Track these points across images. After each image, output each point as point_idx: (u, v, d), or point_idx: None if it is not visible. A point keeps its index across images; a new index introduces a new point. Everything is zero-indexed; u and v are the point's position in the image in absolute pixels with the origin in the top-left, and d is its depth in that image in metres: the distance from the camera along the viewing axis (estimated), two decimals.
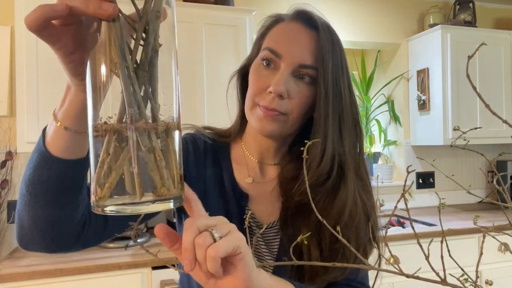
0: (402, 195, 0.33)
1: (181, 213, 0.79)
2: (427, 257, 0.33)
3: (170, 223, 2.19)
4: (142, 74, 0.35)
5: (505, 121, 0.38)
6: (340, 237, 0.31)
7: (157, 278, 1.70)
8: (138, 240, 1.90)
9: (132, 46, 0.36)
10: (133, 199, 0.34)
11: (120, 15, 0.36)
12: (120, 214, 0.34)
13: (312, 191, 0.69)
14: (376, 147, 3.11)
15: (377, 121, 3.02)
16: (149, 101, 0.36)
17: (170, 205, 0.36)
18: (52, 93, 1.91)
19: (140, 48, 0.36)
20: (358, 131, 0.73)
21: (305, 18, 0.71)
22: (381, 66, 3.11)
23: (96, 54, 0.36)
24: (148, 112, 0.36)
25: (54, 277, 1.59)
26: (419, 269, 0.39)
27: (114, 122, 0.35)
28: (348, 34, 2.71)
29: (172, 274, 1.71)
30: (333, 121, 0.68)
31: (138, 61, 0.36)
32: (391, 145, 3.03)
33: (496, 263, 2.24)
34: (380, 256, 0.68)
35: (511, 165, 2.87)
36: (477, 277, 0.35)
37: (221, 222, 0.45)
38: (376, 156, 3.02)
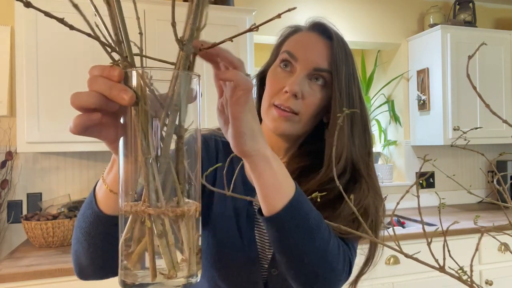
0: (411, 187, 0.33)
1: (209, 199, 0.81)
2: (428, 244, 0.33)
3: None
4: (163, 161, 0.38)
5: (505, 121, 0.38)
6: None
7: None
8: None
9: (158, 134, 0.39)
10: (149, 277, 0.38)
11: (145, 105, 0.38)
12: None
13: (325, 190, 0.71)
14: (376, 147, 3.11)
15: (377, 121, 3.02)
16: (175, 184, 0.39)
17: (181, 286, 0.39)
18: (52, 93, 1.91)
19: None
20: (367, 134, 0.78)
21: (321, 29, 0.78)
22: (381, 66, 3.11)
23: (123, 144, 0.40)
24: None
25: (54, 277, 1.59)
26: (419, 252, 0.39)
27: (135, 206, 0.38)
28: (348, 34, 2.70)
29: None
30: (346, 122, 0.74)
31: (161, 148, 0.39)
32: (391, 145, 3.03)
33: (496, 263, 2.24)
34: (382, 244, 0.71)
35: (511, 165, 2.87)
36: (471, 271, 0.35)
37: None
38: (376, 156, 3.02)
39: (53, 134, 1.90)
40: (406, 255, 0.32)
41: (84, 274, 0.65)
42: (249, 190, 0.81)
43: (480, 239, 0.36)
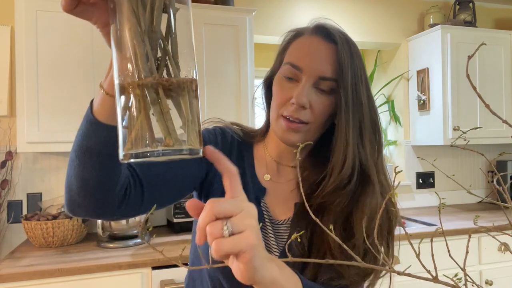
0: (389, 195, 0.33)
1: (201, 193, 0.82)
2: (417, 255, 0.33)
3: (170, 223, 2.19)
4: (154, 36, 0.38)
5: (505, 121, 0.38)
6: (333, 235, 0.32)
7: (157, 278, 1.70)
8: (138, 241, 1.90)
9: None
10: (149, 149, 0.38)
11: None
12: (138, 161, 0.38)
13: (333, 195, 0.72)
14: None
15: None
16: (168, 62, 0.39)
17: (178, 155, 0.38)
18: (52, 93, 1.91)
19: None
20: (378, 136, 0.76)
21: (324, 33, 0.75)
22: (381, 66, 3.11)
23: (113, 19, 0.40)
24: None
25: (54, 277, 1.59)
26: (409, 266, 0.39)
27: (128, 79, 0.38)
28: (349, 34, 2.70)
29: (172, 274, 1.71)
30: (354, 128, 0.72)
31: (154, 25, 0.39)
32: (391, 145, 3.03)
33: (496, 263, 2.24)
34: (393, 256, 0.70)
35: (511, 165, 2.87)
36: (465, 275, 0.35)
37: (243, 216, 0.43)
38: None
39: (53, 134, 1.90)
40: (399, 273, 0.32)
41: (72, 203, 0.62)
42: (257, 187, 0.81)
43: (468, 240, 0.36)
